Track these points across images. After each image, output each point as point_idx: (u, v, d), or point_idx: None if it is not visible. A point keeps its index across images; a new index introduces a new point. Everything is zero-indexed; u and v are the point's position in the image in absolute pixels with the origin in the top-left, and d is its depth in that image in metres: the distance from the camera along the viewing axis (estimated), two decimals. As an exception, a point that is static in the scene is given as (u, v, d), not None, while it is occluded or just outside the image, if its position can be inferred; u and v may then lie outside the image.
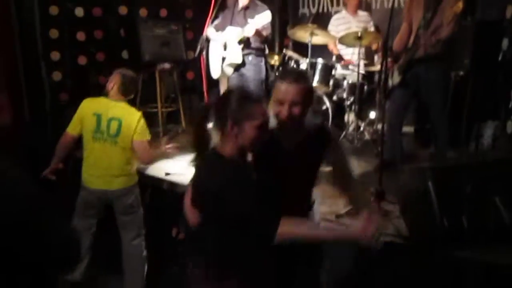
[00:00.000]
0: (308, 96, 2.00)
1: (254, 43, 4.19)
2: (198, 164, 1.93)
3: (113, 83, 3.10)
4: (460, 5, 3.13)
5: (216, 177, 1.81)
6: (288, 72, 2.34)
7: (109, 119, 3.04)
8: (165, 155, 3.42)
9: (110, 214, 3.28)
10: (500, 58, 3.81)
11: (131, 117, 3.08)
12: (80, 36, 5.53)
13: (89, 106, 3.11)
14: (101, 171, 3.09)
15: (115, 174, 3.09)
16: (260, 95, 2.01)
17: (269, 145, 1.92)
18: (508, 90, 3.73)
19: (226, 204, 1.77)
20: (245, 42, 4.17)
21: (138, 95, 5.46)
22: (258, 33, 4.01)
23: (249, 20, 4.05)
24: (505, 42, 3.78)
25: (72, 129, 3.12)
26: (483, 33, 3.99)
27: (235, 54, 4.16)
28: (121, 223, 3.26)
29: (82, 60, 5.53)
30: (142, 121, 3.11)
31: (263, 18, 3.94)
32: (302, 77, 2.03)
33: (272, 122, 1.96)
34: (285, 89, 1.94)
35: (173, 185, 3.84)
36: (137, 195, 3.23)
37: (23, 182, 1.25)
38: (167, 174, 3.91)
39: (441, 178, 2.49)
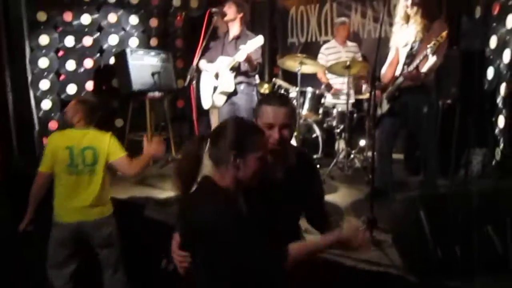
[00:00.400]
0: (294, 118, 2.06)
1: (245, 72, 4.22)
2: (190, 193, 1.83)
3: (76, 112, 3.03)
4: (444, 35, 3.20)
5: (211, 207, 1.72)
6: (272, 96, 2.32)
7: (82, 149, 2.96)
8: (150, 160, 3.29)
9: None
10: (486, 87, 3.88)
11: (103, 141, 3.02)
12: (70, 65, 5.54)
13: (59, 141, 3.01)
14: (78, 202, 2.98)
15: (93, 203, 3.00)
16: (261, 127, 1.94)
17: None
18: (495, 118, 3.78)
19: (221, 237, 1.69)
20: (236, 70, 4.20)
21: (128, 123, 5.47)
22: (249, 59, 4.03)
23: (240, 47, 4.10)
24: (490, 71, 3.85)
25: (45, 168, 2.98)
26: (469, 63, 4.07)
27: (227, 83, 4.18)
28: (100, 258, 3.13)
29: (71, 89, 5.52)
30: (113, 139, 3.05)
31: (256, 42, 3.98)
32: (286, 100, 2.08)
33: None
34: (274, 112, 1.94)
35: (163, 214, 3.80)
36: (114, 227, 3.11)
37: None
38: (157, 203, 3.86)
39: (432, 206, 2.49)
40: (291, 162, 2.07)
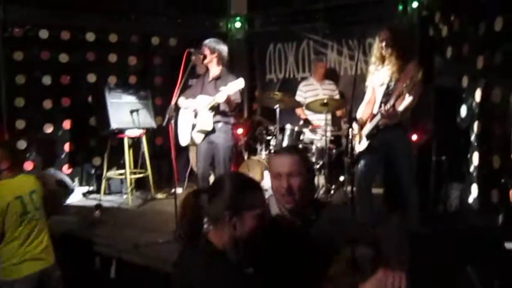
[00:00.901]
0: (304, 166, 1.93)
1: (224, 111, 4.24)
2: (185, 252, 1.75)
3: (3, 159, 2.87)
4: (419, 75, 3.29)
5: (200, 270, 1.63)
6: (282, 147, 2.30)
7: (29, 194, 2.90)
8: None
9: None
10: (460, 124, 3.98)
11: (36, 182, 3.00)
12: (47, 104, 5.47)
13: (7, 193, 2.84)
14: (37, 249, 2.89)
15: (48, 247, 2.95)
16: (259, 182, 1.84)
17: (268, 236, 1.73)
18: (471, 155, 3.87)
19: None
20: (215, 110, 4.21)
21: (105, 162, 5.38)
22: (228, 100, 4.06)
23: (221, 89, 4.13)
24: (463, 109, 3.96)
25: None
26: (443, 100, 4.19)
27: (206, 122, 4.18)
28: None
29: (48, 128, 5.44)
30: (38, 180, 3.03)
31: (236, 85, 4.01)
32: (294, 149, 2.10)
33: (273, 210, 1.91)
34: (280, 161, 1.93)
35: (141, 257, 3.69)
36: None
37: None
38: (135, 246, 3.76)
39: (413, 244, 2.48)
40: (311, 218, 1.94)
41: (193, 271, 1.64)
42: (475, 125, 3.75)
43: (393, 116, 3.48)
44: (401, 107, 3.48)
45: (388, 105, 3.45)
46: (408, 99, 3.44)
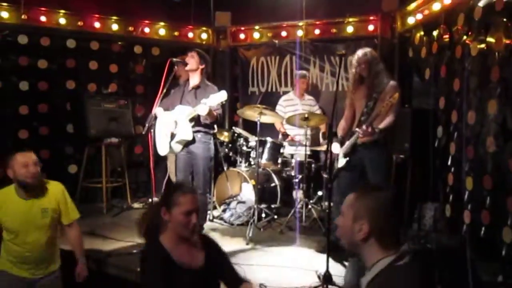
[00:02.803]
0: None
1: (204, 121, 4.23)
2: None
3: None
4: (396, 96, 3.36)
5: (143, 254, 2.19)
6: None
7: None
8: None
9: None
10: (436, 144, 4.05)
11: None
12: (23, 109, 5.37)
13: None
14: None
15: None
16: (192, 187, 2.32)
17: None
18: (445, 175, 3.93)
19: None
20: (195, 120, 4.20)
21: (82, 170, 5.29)
22: (210, 112, 4.05)
23: (201, 99, 4.13)
24: (439, 130, 4.03)
25: None
26: (420, 121, 4.27)
27: (186, 132, 4.16)
28: None
29: (23, 134, 5.33)
30: None
31: (219, 97, 4.00)
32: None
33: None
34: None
35: (115, 268, 3.62)
36: None
37: None
38: (108, 255, 3.69)
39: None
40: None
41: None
42: (451, 146, 3.82)
43: (371, 134, 3.54)
44: (380, 126, 3.54)
45: (367, 124, 3.50)
46: (387, 119, 3.50)
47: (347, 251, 1.69)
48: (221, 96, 3.99)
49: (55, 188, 2.98)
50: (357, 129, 3.66)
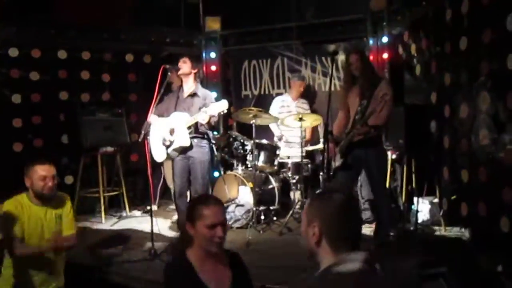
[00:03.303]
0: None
1: (200, 128, 4.24)
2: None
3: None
4: (390, 93, 3.40)
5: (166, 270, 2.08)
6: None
7: None
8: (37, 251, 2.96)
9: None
10: (429, 140, 4.11)
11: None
12: (16, 122, 5.35)
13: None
14: None
15: None
16: (216, 200, 2.15)
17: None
18: (440, 169, 3.98)
19: None
20: (194, 127, 4.21)
21: (78, 180, 5.27)
22: (209, 120, 4.08)
23: (198, 106, 4.16)
24: (433, 125, 4.09)
25: None
26: (414, 116, 4.31)
27: (184, 138, 4.16)
28: None
29: (18, 147, 5.31)
30: None
31: (220, 107, 4.01)
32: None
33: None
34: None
35: (115, 275, 3.62)
36: None
37: None
38: (109, 263, 3.69)
39: (387, 257, 2.53)
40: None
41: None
42: (444, 140, 3.87)
43: (367, 132, 3.57)
44: (375, 123, 3.58)
45: (362, 122, 3.53)
46: (381, 116, 3.54)
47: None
48: (222, 105, 4.00)
49: (64, 198, 3.02)
50: (351, 129, 3.70)
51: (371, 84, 3.69)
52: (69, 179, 5.58)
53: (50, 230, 2.86)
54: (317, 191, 1.73)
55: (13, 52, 5.33)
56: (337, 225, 1.49)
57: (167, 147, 4.26)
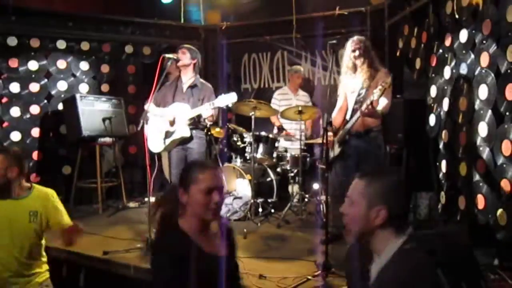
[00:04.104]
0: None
1: (199, 117, 4.23)
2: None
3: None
4: (389, 81, 3.38)
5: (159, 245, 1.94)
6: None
7: None
8: None
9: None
10: (429, 133, 4.09)
11: None
12: (15, 112, 5.35)
13: None
14: None
15: None
16: (213, 163, 2.07)
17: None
18: (439, 163, 3.97)
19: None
20: (195, 119, 4.20)
21: (76, 171, 5.27)
22: (212, 114, 4.09)
23: (198, 98, 4.15)
24: (431, 118, 4.07)
25: None
26: (413, 110, 4.31)
27: (185, 129, 4.15)
28: None
29: (16, 137, 5.30)
30: None
31: (228, 99, 3.99)
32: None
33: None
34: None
35: (111, 265, 3.61)
36: None
37: None
38: (105, 253, 3.68)
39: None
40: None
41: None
42: (443, 134, 3.86)
43: (373, 113, 3.53)
44: (379, 108, 3.55)
45: (365, 105, 3.49)
46: (382, 101, 3.52)
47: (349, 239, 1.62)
48: (231, 97, 3.99)
49: (45, 195, 2.78)
50: (355, 106, 3.67)
51: (370, 73, 3.67)
52: (66, 170, 5.58)
53: (20, 227, 2.62)
54: (366, 172, 1.62)
55: (12, 42, 5.32)
56: (401, 206, 1.56)
57: (166, 137, 4.24)
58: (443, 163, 3.88)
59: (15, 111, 5.35)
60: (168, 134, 4.22)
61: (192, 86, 4.29)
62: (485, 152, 3.23)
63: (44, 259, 2.85)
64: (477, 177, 3.35)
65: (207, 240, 1.91)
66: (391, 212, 1.51)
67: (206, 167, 1.91)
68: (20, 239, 2.61)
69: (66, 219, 2.81)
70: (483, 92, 3.25)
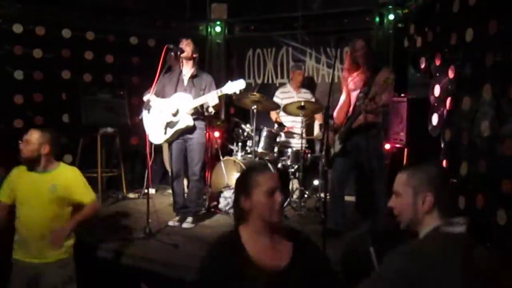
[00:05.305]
0: None
1: (200, 108, 4.23)
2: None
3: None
4: (392, 77, 3.39)
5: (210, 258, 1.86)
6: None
7: None
8: None
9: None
10: (431, 132, 4.08)
11: None
12: (18, 99, 5.35)
13: None
14: None
15: None
16: (267, 166, 2.00)
17: None
18: (440, 162, 3.95)
19: None
20: (198, 109, 4.20)
21: (77, 160, 5.27)
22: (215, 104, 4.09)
23: (199, 87, 4.15)
24: (434, 117, 4.06)
25: None
26: (416, 109, 4.30)
27: (188, 118, 4.16)
28: None
29: (18, 124, 5.31)
30: None
31: (237, 85, 4.00)
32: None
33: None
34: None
35: (112, 253, 3.62)
36: None
37: None
38: (104, 241, 3.69)
39: (381, 243, 2.52)
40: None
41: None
42: (445, 133, 3.84)
43: (375, 109, 3.54)
44: (375, 107, 3.56)
45: (368, 98, 3.49)
46: (385, 97, 3.53)
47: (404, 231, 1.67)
48: (239, 84, 3.99)
49: (66, 171, 3.02)
50: (357, 103, 3.67)
51: (373, 71, 3.68)
52: (67, 158, 5.56)
53: (42, 197, 2.86)
54: (409, 165, 1.73)
55: (17, 29, 5.33)
56: (446, 192, 1.61)
57: (168, 128, 4.24)
58: (444, 162, 3.86)
59: (18, 98, 5.36)
60: (171, 125, 4.22)
61: (193, 77, 4.30)
62: (487, 152, 3.21)
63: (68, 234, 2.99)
64: (477, 176, 3.33)
65: (267, 250, 1.85)
66: (437, 198, 1.57)
67: (263, 169, 1.94)
68: (43, 208, 2.85)
69: (85, 197, 2.99)
70: (486, 91, 3.23)
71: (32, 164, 2.90)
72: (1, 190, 2.97)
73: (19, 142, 2.91)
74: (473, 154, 3.38)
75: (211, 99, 4.02)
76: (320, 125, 5.46)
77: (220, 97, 4.12)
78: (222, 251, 1.85)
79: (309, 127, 5.64)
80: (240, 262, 1.79)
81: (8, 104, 5.32)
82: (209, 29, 6.52)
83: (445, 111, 3.90)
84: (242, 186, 1.88)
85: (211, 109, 4.19)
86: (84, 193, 3.00)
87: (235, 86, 3.98)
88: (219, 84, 4.35)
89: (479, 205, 3.28)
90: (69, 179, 2.96)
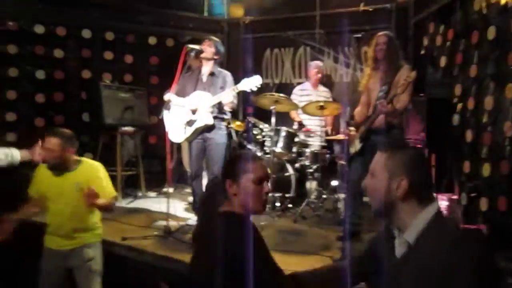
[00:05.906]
0: None
1: (220, 107, 4.24)
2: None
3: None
4: (412, 75, 3.34)
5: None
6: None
7: None
8: None
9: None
10: (451, 133, 4.02)
11: None
12: (39, 98, 5.44)
13: None
14: None
15: None
16: (256, 154, 2.01)
17: None
18: (461, 164, 3.89)
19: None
20: (216, 108, 4.21)
21: (97, 158, 5.34)
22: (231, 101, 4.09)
23: (217, 85, 4.16)
24: (455, 118, 4.00)
25: None
26: (436, 110, 4.23)
27: (207, 117, 4.17)
28: None
29: (39, 122, 5.40)
30: None
31: (253, 82, 3.99)
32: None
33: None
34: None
35: (130, 250, 3.66)
36: None
37: None
38: (124, 238, 3.73)
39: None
40: None
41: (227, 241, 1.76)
42: (467, 134, 3.78)
43: (392, 112, 3.50)
44: (397, 105, 3.52)
45: (387, 100, 3.46)
46: (403, 98, 3.49)
47: (374, 215, 1.58)
48: (255, 80, 3.98)
49: (90, 168, 3.10)
50: (377, 102, 3.64)
51: (393, 69, 3.63)
52: (87, 157, 5.63)
53: (69, 196, 2.96)
54: (389, 147, 1.60)
55: (39, 29, 5.43)
56: (423, 177, 1.52)
57: (188, 126, 4.25)
58: (466, 164, 3.81)
59: (39, 97, 5.46)
60: (190, 123, 4.23)
61: (211, 74, 4.30)
62: (510, 152, 3.16)
63: (94, 225, 3.15)
64: (500, 178, 3.28)
65: None
66: (413, 183, 1.48)
67: (255, 157, 1.92)
68: (71, 205, 2.96)
69: (107, 191, 3.08)
70: (509, 90, 3.17)
71: (59, 167, 2.98)
72: (31, 188, 3.09)
73: (40, 141, 2.98)
74: (495, 154, 3.33)
75: (225, 96, 4.02)
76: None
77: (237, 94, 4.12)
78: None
79: (331, 126, 5.63)
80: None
81: (29, 103, 5.43)
82: (226, 29, 6.54)
83: (466, 111, 3.84)
84: (231, 170, 1.88)
85: (226, 107, 4.19)
86: (103, 190, 3.05)
87: (251, 83, 3.97)
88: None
89: (501, 208, 3.23)
90: (90, 176, 3.03)
